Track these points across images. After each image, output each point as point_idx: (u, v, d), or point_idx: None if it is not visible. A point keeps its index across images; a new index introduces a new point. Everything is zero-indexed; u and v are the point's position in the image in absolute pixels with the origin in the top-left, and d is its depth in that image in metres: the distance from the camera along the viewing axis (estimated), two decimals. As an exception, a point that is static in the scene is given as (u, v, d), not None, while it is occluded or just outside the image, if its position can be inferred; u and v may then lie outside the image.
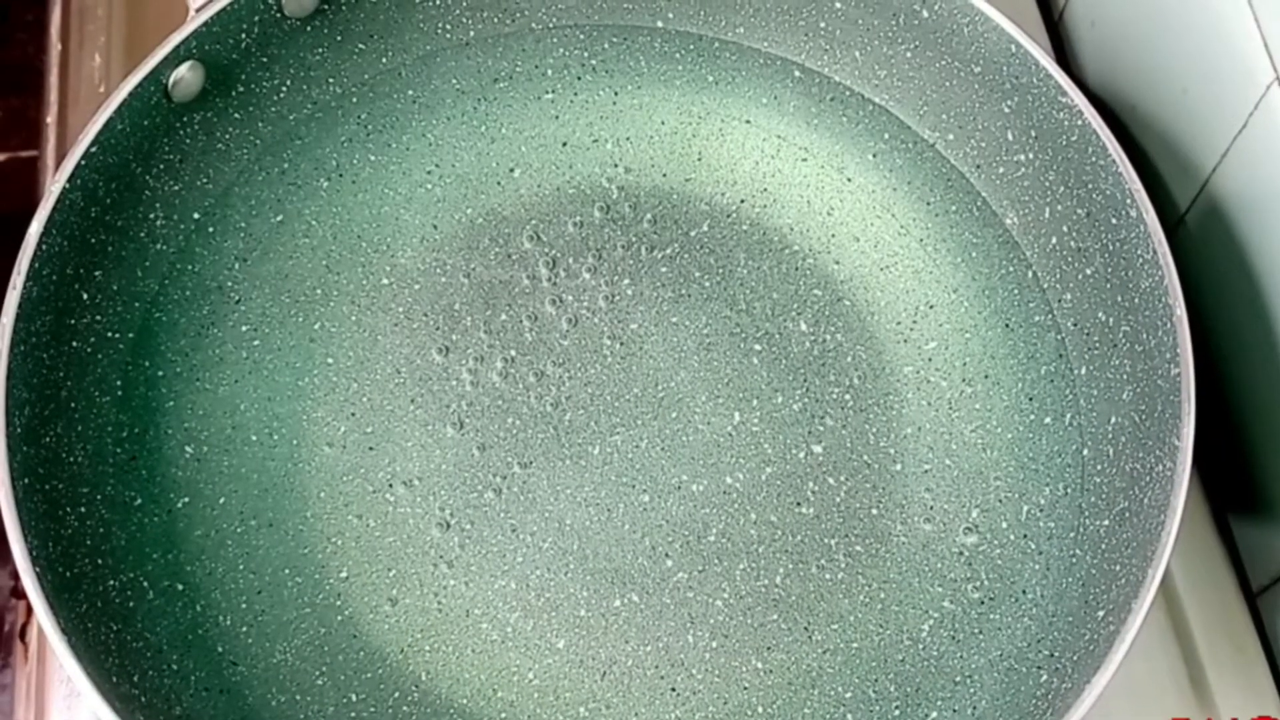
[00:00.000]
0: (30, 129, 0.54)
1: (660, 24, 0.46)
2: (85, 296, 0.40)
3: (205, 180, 0.43)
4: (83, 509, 0.39)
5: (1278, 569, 0.43)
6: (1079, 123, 0.39)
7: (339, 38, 0.44)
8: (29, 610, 0.46)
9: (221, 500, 0.42)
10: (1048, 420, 0.42)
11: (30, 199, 0.53)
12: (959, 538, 0.41)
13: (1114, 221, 0.39)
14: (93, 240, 0.40)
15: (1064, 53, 0.53)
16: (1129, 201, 0.38)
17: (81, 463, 0.39)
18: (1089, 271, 0.41)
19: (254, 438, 0.43)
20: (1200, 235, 0.44)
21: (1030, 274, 0.43)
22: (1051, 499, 0.41)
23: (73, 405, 0.39)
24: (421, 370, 0.44)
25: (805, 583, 0.41)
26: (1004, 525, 0.41)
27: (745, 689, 0.40)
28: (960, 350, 0.44)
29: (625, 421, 0.44)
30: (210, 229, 0.44)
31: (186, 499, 0.41)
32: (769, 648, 0.40)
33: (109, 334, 0.41)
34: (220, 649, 0.40)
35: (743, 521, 0.42)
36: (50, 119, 0.53)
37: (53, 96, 0.53)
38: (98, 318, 0.40)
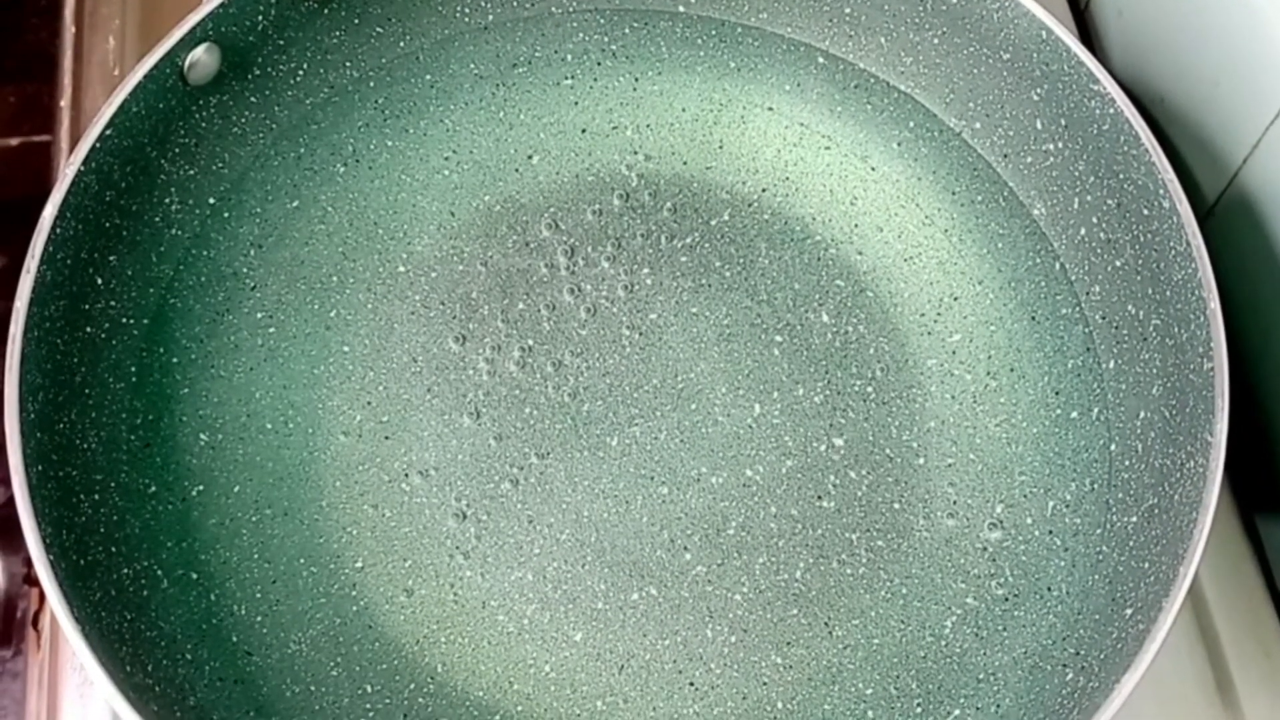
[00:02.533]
0: (44, 113, 0.54)
1: (682, 9, 0.45)
2: (100, 281, 0.40)
3: (221, 165, 0.43)
4: (96, 496, 0.38)
5: (1306, 568, 0.42)
6: (1111, 111, 0.39)
7: (356, 20, 0.44)
8: (41, 598, 0.46)
9: (236, 488, 0.41)
10: (1074, 415, 0.41)
11: (43, 184, 0.53)
12: (983, 533, 0.41)
13: (1146, 213, 0.38)
14: (107, 224, 0.40)
15: (1091, 42, 0.52)
16: (1162, 192, 0.38)
17: (95, 449, 0.39)
18: (1119, 263, 0.40)
19: (269, 425, 0.42)
20: (1229, 229, 0.43)
21: (1058, 266, 0.42)
22: (1078, 495, 0.40)
23: (87, 391, 0.39)
24: (438, 359, 0.44)
25: (826, 577, 0.41)
26: (1029, 521, 0.41)
27: (764, 684, 0.40)
28: (985, 343, 0.43)
29: (644, 412, 0.43)
30: (226, 214, 0.43)
31: (201, 487, 0.41)
32: (789, 643, 0.40)
33: (123, 319, 0.40)
34: (235, 639, 0.39)
35: (763, 515, 0.42)
36: (64, 103, 0.53)
37: (66, 80, 0.53)
38: (112, 303, 0.40)
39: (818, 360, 0.44)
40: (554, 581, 0.41)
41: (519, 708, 0.39)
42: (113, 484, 0.39)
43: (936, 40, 0.43)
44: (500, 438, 0.43)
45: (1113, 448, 0.40)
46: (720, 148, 0.46)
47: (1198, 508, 0.34)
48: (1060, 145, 0.41)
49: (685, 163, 0.46)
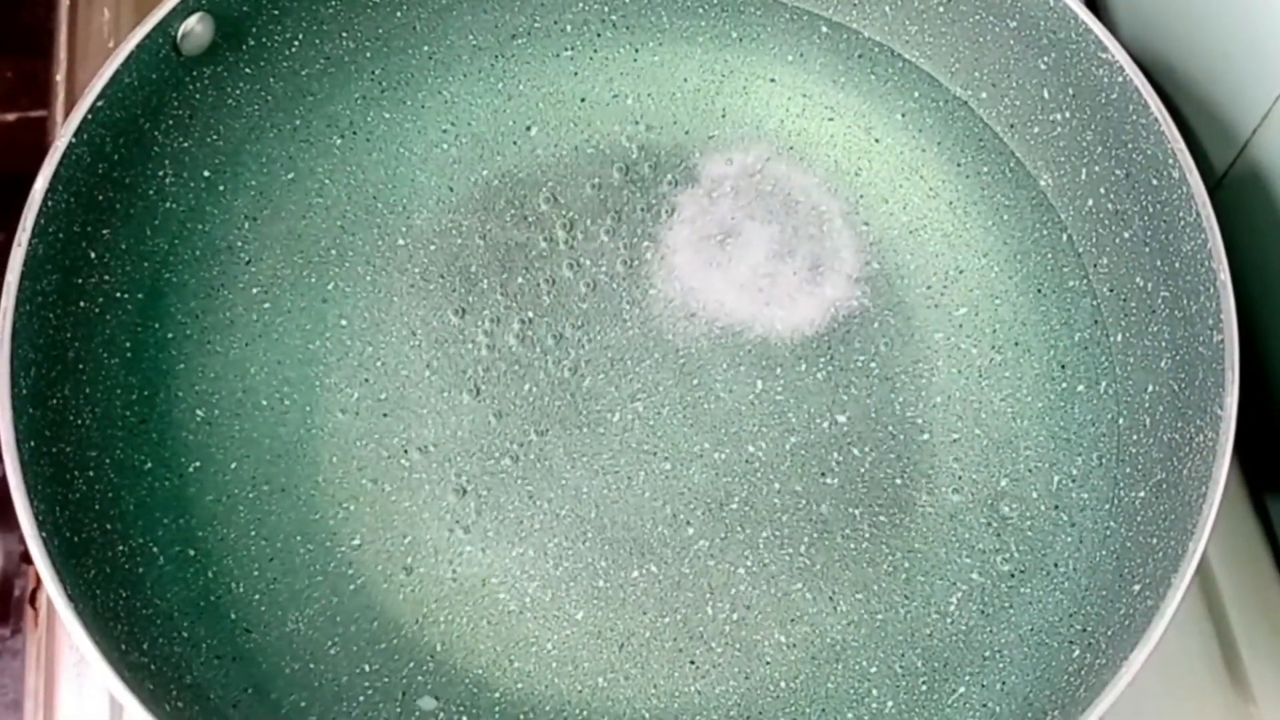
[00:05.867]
0: (40, 88, 0.53)
1: (683, -22, 0.45)
2: (93, 255, 0.39)
3: (215, 137, 0.42)
4: (91, 473, 0.38)
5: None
6: (1119, 80, 0.38)
7: (352, -10, 0.43)
8: (39, 575, 0.45)
9: (233, 465, 0.41)
10: (1081, 388, 0.41)
11: (40, 158, 0.52)
12: (988, 508, 0.40)
13: (1155, 183, 0.38)
14: (100, 197, 0.39)
15: (1098, 11, 0.51)
16: (1171, 162, 0.37)
17: (90, 425, 0.38)
18: (1127, 235, 0.40)
19: (265, 402, 0.42)
20: (1238, 199, 0.43)
21: (1065, 237, 0.42)
22: (1085, 469, 0.40)
23: (81, 367, 0.39)
24: (437, 334, 0.43)
25: (829, 553, 0.40)
26: (1035, 496, 0.40)
27: (767, 663, 0.39)
28: (991, 316, 0.43)
29: (645, 387, 0.43)
30: (220, 187, 0.43)
31: (197, 463, 0.41)
32: (792, 620, 0.40)
33: (118, 294, 0.40)
34: (232, 616, 0.39)
35: (766, 491, 0.41)
36: (59, 77, 0.52)
37: (62, 54, 0.53)
38: (106, 277, 0.40)
39: (821, 335, 0.43)
40: (554, 558, 0.40)
41: (519, 686, 0.39)
42: (107, 460, 0.38)
43: (942, 8, 0.42)
44: (500, 413, 0.42)
45: (1121, 422, 0.39)
46: (722, 119, 0.46)
47: (1207, 482, 0.34)
48: (1068, 115, 0.41)
49: (686, 133, 0.46)
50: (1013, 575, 0.39)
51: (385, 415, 0.42)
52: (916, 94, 0.44)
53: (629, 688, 0.39)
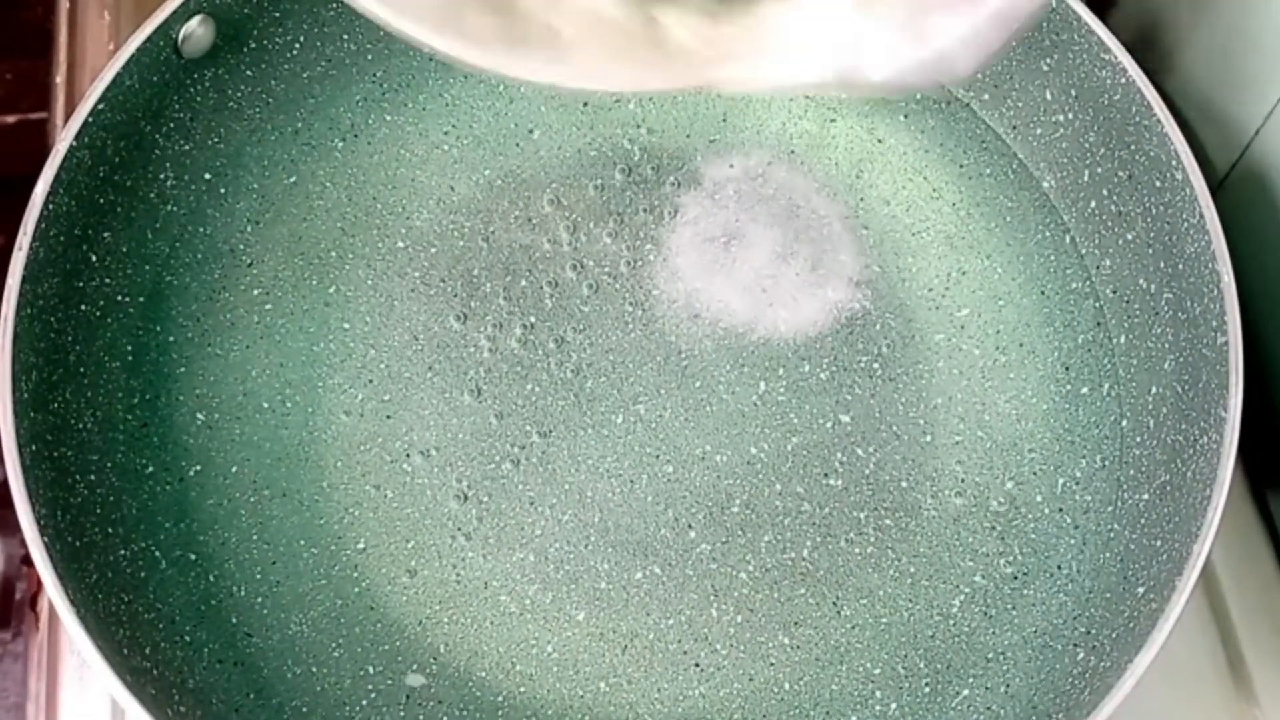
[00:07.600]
0: (40, 90, 0.53)
1: (685, -20, 0.45)
2: (94, 258, 0.39)
3: (216, 139, 0.42)
4: (92, 477, 0.38)
5: (1319, 545, 0.42)
6: (1122, 81, 0.38)
7: (354, -8, 0.43)
8: (40, 578, 0.45)
9: (234, 469, 0.41)
10: (1085, 390, 0.41)
11: (40, 162, 0.52)
12: (991, 511, 0.40)
13: (1158, 184, 0.38)
14: (101, 200, 0.39)
15: (1101, 12, 0.51)
16: (1174, 164, 0.37)
17: (91, 429, 0.38)
18: (1130, 236, 0.39)
19: (266, 405, 0.42)
20: (1241, 200, 0.43)
21: (1068, 239, 0.42)
22: (1088, 472, 0.40)
23: (82, 370, 0.38)
24: (439, 337, 0.43)
25: (833, 556, 0.40)
26: (1038, 499, 0.40)
27: (771, 665, 0.39)
28: (993, 318, 0.43)
29: (647, 390, 0.42)
30: (222, 190, 0.43)
31: (199, 467, 0.40)
32: (795, 623, 0.40)
33: (119, 297, 0.40)
34: (234, 620, 0.39)
35: (768, 493, 0.41)
36: (59, 79, 0.52)
37: (62, 56, 0.52)
38: (107, 280, 0.40)
39: (824, 336, 0.43)
40: (556, 561, 0.40)
41: (521, 689, 0.39)
42: (109, 464, 0.38)
43: (944, 9, 0.42)
44: (502, 416, 0.42)
45: (1124, 424, 0.39)
46: (724, 121, 0.45)
47: (1211, 484, 0.34)
48: (1071, 116, 0.40)
49: (688, 136, 0.45)
50: (1016, 578, 0.39)
51: (388, 418, 0.42)
52: (919, 95, 0.44)
53: (632, 691, 0.39)
